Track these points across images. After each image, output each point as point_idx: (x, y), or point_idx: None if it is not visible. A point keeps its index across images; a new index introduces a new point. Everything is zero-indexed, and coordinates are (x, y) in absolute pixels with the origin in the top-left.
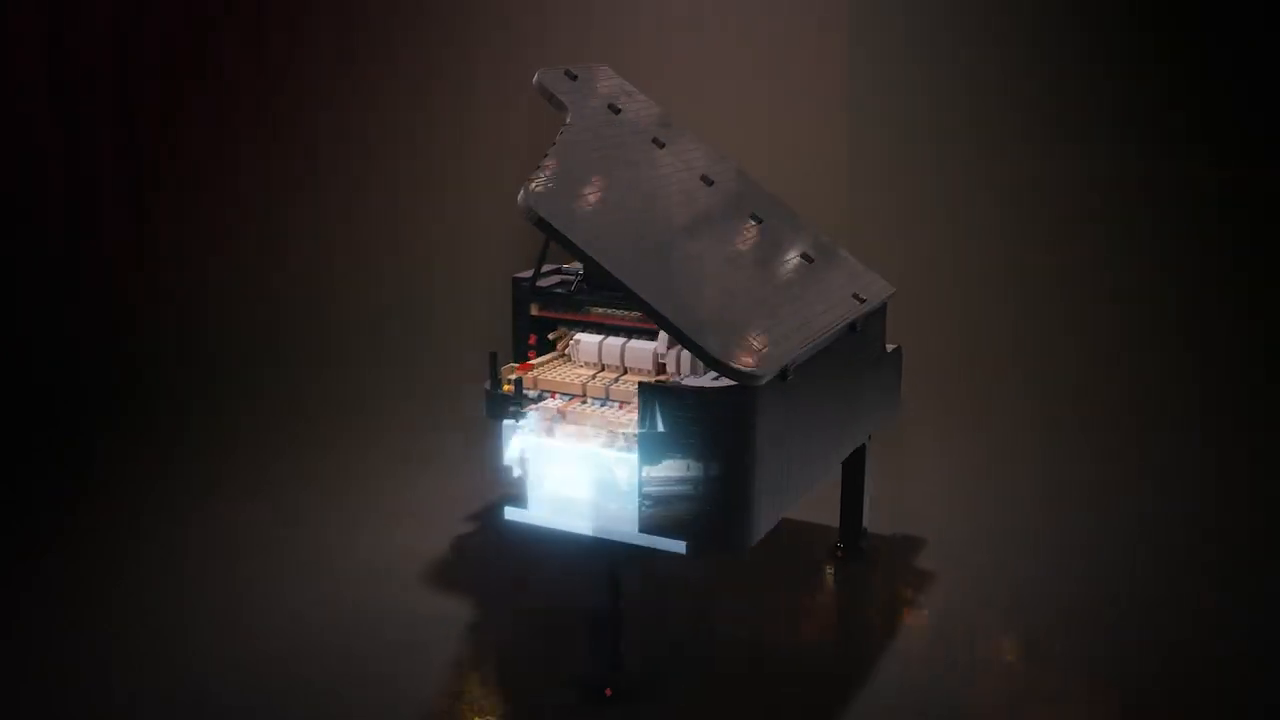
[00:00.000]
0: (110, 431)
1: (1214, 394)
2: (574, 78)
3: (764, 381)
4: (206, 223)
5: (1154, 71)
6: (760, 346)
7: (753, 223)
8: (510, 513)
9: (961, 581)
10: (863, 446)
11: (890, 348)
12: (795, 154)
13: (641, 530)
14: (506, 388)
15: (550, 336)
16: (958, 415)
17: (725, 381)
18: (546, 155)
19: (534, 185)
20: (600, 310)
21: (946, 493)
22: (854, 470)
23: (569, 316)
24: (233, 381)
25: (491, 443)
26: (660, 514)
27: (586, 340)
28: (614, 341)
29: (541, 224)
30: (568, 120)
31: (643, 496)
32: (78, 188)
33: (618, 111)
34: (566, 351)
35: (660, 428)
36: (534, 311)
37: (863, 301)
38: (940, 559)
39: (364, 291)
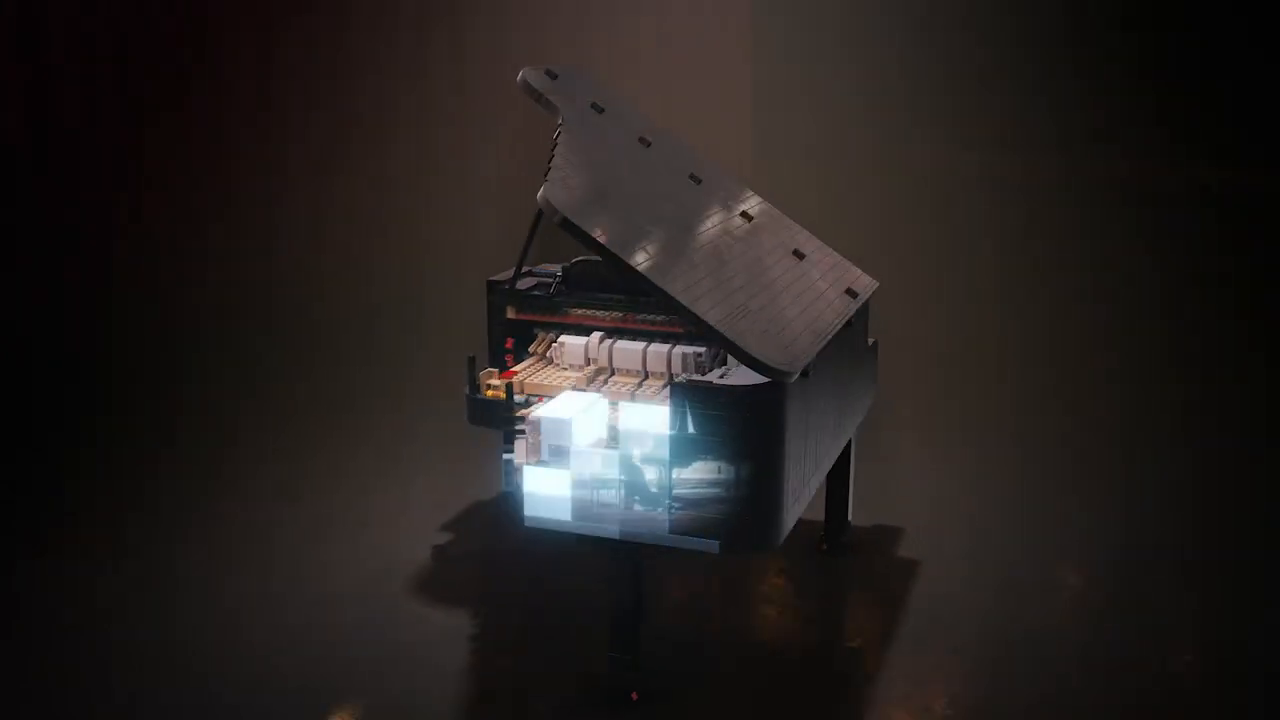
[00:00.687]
0: (110, 431)
1: (1208, 392)
2: (554, 77)
3: (795, 378)
4: (204, 222)
5: (1152, 71)
6: (788, 343)
7: (744, 220)
8: (530, 519)
9: (950, 578)
10: (848, 441)
11: (870, 341)
12: (773, 149)
13: (672, 531)
14: (491, 393)
15: (531, 349)
16: (941, 412)
17: (745, 379)
18: (554, 156)
19: (553, 188)
20: (580, 311)
21: (928, 488)
22: (839, 465)
23: (548, 318)
24: (233, 382)
25: (487, 443)
26: (690, 515)
27: (572, 342)
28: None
29: (567, 225)
30: (560, 120)
31: (673, 498)
32: (75, 188)
33: (601, 111)
34: (548, 354)
35: (690, 428)
36: (511, 314)
37: (855, 296)
38: (923, 553)
39: (355, 290)
